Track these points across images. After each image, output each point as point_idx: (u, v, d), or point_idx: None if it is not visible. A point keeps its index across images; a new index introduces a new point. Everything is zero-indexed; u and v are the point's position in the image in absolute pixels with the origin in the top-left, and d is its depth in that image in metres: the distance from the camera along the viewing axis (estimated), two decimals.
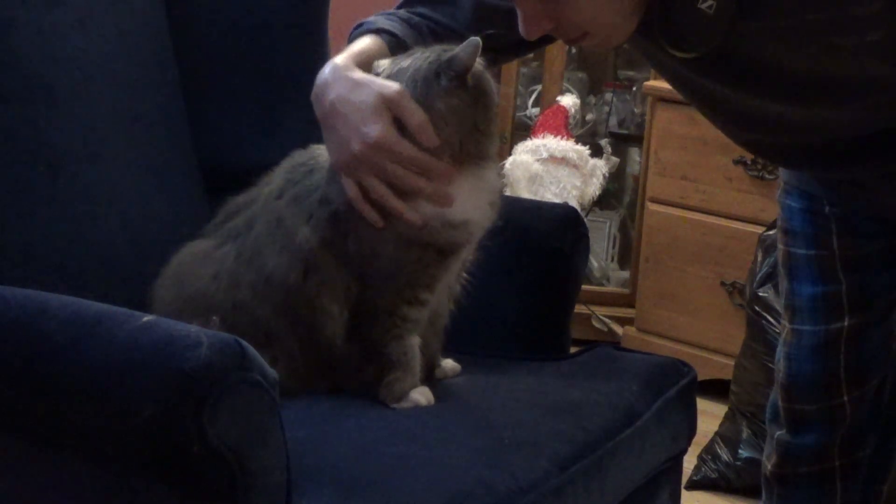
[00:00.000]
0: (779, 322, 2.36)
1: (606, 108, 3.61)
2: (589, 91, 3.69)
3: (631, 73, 3.66)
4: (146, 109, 1.76)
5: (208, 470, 1.14)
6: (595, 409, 1.55)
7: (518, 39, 1.47)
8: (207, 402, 1.12)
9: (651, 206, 3.16)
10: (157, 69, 1.81)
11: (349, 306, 1.51)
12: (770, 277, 2.54)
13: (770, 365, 2.08)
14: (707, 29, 1.35)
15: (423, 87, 1.44)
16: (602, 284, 3.54)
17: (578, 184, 3.24)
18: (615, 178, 3.54)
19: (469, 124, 1.46)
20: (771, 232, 2.56)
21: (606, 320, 3.33)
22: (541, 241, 1.79)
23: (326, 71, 1.48)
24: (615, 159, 3.42)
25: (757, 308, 2.57)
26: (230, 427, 1.14)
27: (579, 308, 3.15)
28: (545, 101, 3.51)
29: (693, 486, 2.62)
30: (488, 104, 1.48)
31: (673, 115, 3.06)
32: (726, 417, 2.65)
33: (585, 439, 1.47)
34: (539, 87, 3.60)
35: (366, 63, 1.50)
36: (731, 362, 2.71)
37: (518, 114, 3.63)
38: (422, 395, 1.52)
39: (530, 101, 3.65)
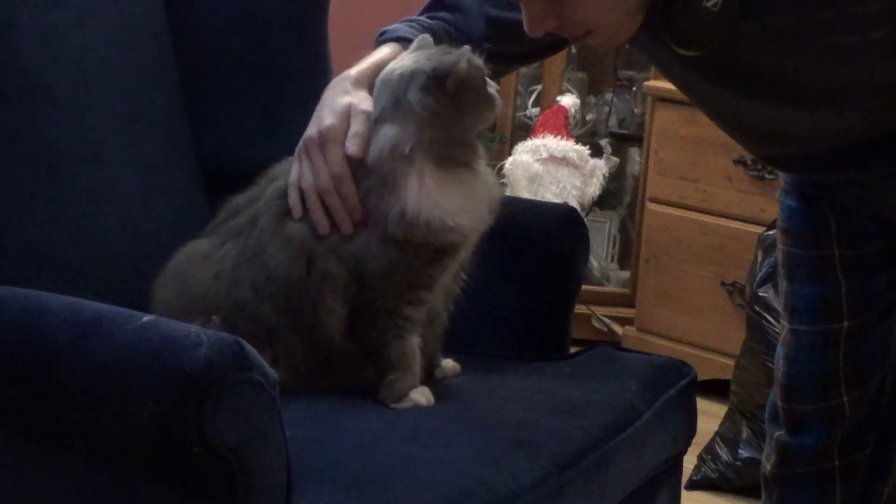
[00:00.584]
0: (779, 322, 2.35)
1: (606, 108, 3.61)
2: (589, 91, 3.69)
3: (631, 73, 3.66)
4: (146, 109, 1.76)
5: (208, 470, 1.14)
6: (595, 409, 1.55)
7: (527, 49, 1.48)
8: (207, 402, 1.12)
9: (651, 206, 3.16)
10: (157, 69, 1.81)
11: (349, 304, 1.51)
12: (770, 277, 2.54)
13: (770, 365, 2.08)
14: (711, 26, 1.35)
15: (403, 83, 1.47)
16: (602, 284, 3.54)
17: (578, 184, 3.24)
18: (615, 178, 3.54)
19: (443, 127, 1.47)
20: (771, 232, 2.56)
21: (606, 320, 3.33)
22: (541, 241, 1.79)
23: (337, 77, 1.58)
24: (615, 159, 3.42)
25: (757, 308, 2.57)
26: (230, 427, 1.14)
27: (579, 308, 3.15)
28: (545, 101, 3.51)
29: (693, 486, 2.62)
30: (469, 113, 1.49)
31: (673, 115, 3.07)
32: (726, 417, 2.65)
33: (585, 439, 1.47)
34: (539, 87, 3.60)
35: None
36: (731, 362, 2.71)
37: (518, 114, 3.63)
38: (422, 396, 1.52)
39: (530, 101, 3.65)
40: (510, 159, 3.28)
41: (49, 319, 1.23)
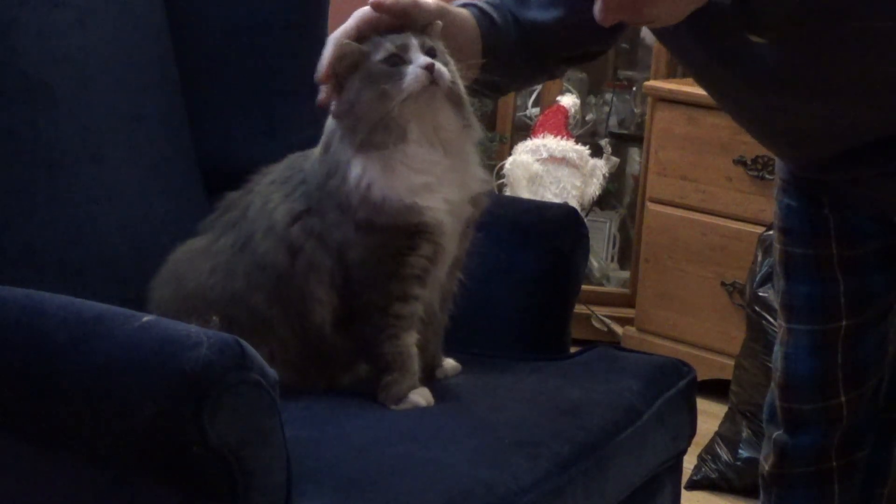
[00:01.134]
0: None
1: (606, 108, 3.61)
2: (589, 91, 3.68)
3: (631, 73, 3.66)
4: (146, 109, 1.76)
5: (208, 470, 1.15)
6: (595, 409, 1.54)
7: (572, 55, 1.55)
8: (207, 402, 1.12)
9: (651, 206, 3.16)
10: (157, 69, 1.81)
11: (337, 293, 1.51)
12: (770, 277, 2.54)
13: (770, 364, 2.08)
14: (795, 10, 1.35)
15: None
16: (602, 284, 3.54)
17: (578, 184, 3.25)
18: (615, 178, 3.54)
19: (351, 112, 1.48)
20: (771, 232, 2.56)
21: (606, 320, 3.33)
22: (541, 241, 1.79)
23: None
24: (615, 159, 3.42)
25: (757, 308, 2.57)
26: (230, 427, 1.14)
27: (579, 308, 3.15)
28: (545, 101, 3.51)
29: (693, 486, 2.62)
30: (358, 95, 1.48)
31: (673, 115, 3.06)
32: (726, 417, 2.65)
33: (585, 439, 1.47)
34: (539, 87, 3.60)
35: None
36: (731, 362, 2.71)
37: (518, 114, 3.63)
38: (421, 397, 1.52)
39: (530, 101, 3.65)
40: (510, 159, 3.28)
41: (49, 319, 1.23)
